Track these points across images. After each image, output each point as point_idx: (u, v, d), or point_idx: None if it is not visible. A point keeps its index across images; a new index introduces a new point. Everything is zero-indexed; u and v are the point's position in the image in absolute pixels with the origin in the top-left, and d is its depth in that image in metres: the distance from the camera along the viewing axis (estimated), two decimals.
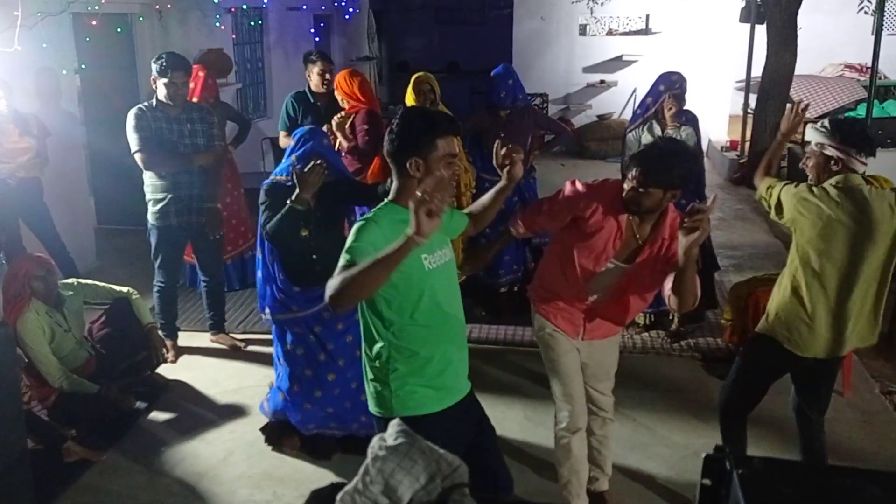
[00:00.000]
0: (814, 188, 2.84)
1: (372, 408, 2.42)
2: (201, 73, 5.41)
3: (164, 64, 4.20)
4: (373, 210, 2.31)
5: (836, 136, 2.82)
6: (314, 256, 3.48)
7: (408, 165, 2.24)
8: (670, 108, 4.57)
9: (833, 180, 2.82)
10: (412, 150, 2.23)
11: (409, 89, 5.01)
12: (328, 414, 3.60)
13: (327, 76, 5.03)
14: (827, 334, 2.89)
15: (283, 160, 3.61)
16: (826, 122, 2.91)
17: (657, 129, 4.67)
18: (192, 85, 5.33)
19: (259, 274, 3.67)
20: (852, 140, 2.81)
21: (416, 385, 2.31)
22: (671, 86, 4.58)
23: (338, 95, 4.79)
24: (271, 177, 3.59)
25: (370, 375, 2.38)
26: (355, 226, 2.25)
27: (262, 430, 3.81)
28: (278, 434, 3.76)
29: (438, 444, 1.49)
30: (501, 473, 2.59)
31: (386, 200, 2.33)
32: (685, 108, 4.68)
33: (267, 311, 3.61)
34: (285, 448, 3.72)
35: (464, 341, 2.52)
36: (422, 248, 2.10)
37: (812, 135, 2.92)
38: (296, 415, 3.63)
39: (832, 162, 2.84)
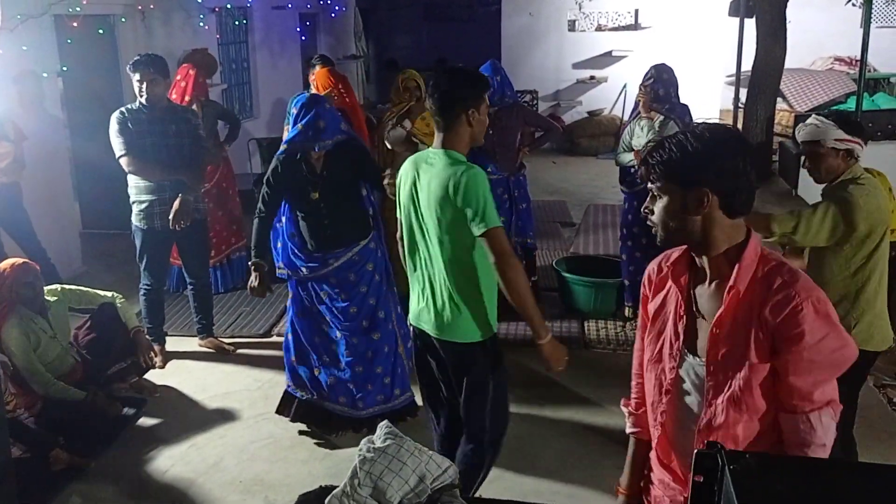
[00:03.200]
0: (861, 185, 2.82)
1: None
2: (192, 72, 5.35)
3: (133, 62, 4.21)
4: (456, 159, 2.61)
5: (847, 128, 2.84)
6: (325, 221, 3.60)
7: (468, 114, 2.61)
8: (641, 100, 4.71)
9: (859, 170, 2.87)
10: (471, 103, 2.61)
11: (395, 87, 5.01)
12: (318, 382, 3.75)
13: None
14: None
15: (291, 128, 3.66)
16: (823, 118, 2.89)
17: (643, 122, 4.73)
18: (183, 84, 5.29)
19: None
20: (860, 131, 2.87)
21: None
22: (644, 78, 4.70)
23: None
24: (284, 145, 3.68)
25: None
26: (473, 179, 2.53)
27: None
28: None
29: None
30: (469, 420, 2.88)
31: (440, 148, 2.64)
32: (675, 99, 4.71)
33: (281, 264, 3.78)
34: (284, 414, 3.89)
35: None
36: None
37: (820, 133, 2.86)
38: (291, 377, 3.83)
39: (847, 155, 2.85)
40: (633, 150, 4.77)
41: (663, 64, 4.75)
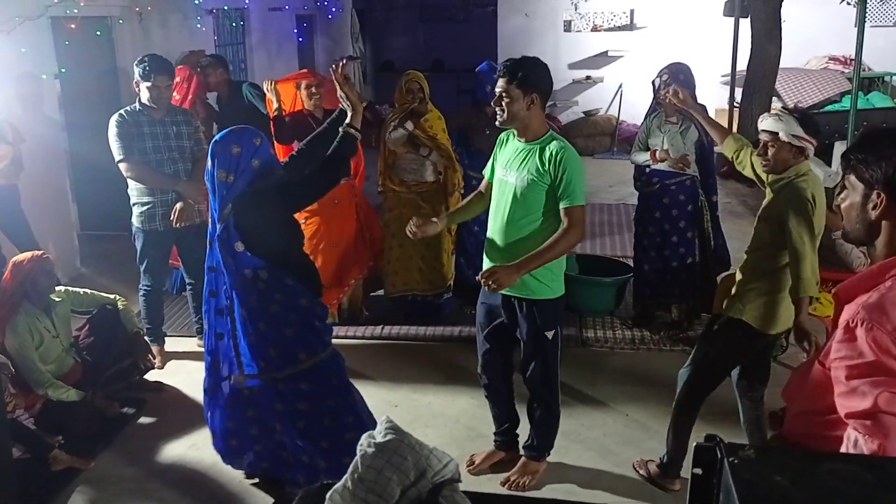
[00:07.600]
0: (805, 179, 2.95)
1: None
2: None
3: (147, 68, 4.17)
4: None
5: (805, 127, 2.94)
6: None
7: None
8: (665, 101, 4.42)
9: (806, 167, 2.98)
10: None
11: (398, 88, 4.97)
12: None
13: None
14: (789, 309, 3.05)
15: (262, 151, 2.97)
16: (787, 112, 3.02)
17: (662, 122, 4.60)
18: (186, 85, 5.30)
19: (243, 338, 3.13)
20: (816, 132, 2.97)
21: None
22: (661, 79, 4.53)
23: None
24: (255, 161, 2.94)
25: None
26: None
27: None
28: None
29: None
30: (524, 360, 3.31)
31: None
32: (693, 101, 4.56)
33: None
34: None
35: (501, 247, 3.18)
36: (499, 160, 3.34)
37: (780, 125, 2.96)
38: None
39: (799, 152, 2.96)
40: (648, 149, 4.65)
41: (680, 63, 4.57)
